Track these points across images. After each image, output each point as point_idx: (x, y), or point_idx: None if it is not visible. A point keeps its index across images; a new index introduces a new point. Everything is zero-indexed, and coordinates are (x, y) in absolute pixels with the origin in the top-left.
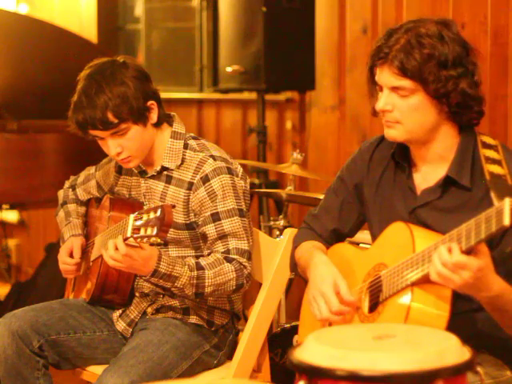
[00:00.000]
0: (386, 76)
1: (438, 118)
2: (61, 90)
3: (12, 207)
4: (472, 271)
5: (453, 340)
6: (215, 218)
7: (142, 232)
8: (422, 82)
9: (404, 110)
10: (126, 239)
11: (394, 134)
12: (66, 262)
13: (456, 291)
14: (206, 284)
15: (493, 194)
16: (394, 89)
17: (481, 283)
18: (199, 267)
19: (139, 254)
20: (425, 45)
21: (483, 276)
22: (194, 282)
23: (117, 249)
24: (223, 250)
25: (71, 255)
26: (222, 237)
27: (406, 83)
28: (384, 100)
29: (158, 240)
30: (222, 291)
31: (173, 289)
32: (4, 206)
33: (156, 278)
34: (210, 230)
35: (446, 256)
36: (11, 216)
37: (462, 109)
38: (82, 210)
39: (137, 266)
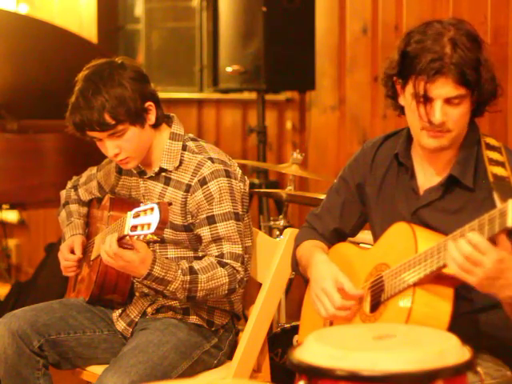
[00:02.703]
0: (443, 87)
1: (468, 119)
2: (61, 90)
3: (12, 207)
4: (492, 260)
5: (453, 340)
6: (211, 220)
7: (139, 229)
8: (478, 88)
9: (456, 118)
10: (123, 237)
11: (441, 143)
12: (68, 259)
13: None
14: (199, 288)
15: (496, 196)
16: (448, 99)
17: (504, 278)
18: (192, 271)
19: (132, 256)
20: (470, 48)
21: (506, 269)
22: (187, 286)
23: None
24: (217, 254)
25: (73, 252)
26: (217, 240)
27: (463, 91)
28: (440, 112)
29: (155, 237)
30: (214, 295)
31: (165, 291)
32: (4, 206)
33: (149, 281)
34: (205, 232)
35: (469, 245)
36: (11, 216)
37: (488, 105)
38: (84, 210)
39: (130, 267)
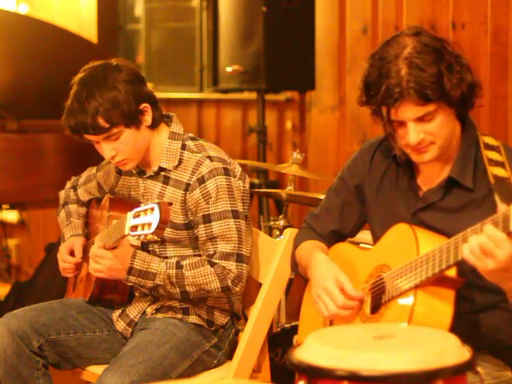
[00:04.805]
0: (408, 111)
1: (455, 121)
2: (61, 90)
3: (12, 207)
4: (506, 253)
5: (453, 340)
6: (206, 219)
7: (140, 229)
8: (445, 99)
9: (435, 131)
10: (123, 237)
11: (429, 156)
12: (67, 261)
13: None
14: (186, 283)
15: (497, 198)
16: (419, 118)
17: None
18: (178, 266)
19: (109, 254)
20: (426, 63)
21: None
22: (174, 280)
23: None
24: (210, 253)
25: (72, 254)
26: (212, 239)
27: (431, 107)
28: (414, 133)
29: (155, 237)
30: (208, 292)
31: (159, 289)
32: (4, 206)
33: (134, 277)
34: (201, 231)
35: (493, 230)
36: (11, 216)
37: (471, 100)
38: (83, 210)
39: (115, 265)
